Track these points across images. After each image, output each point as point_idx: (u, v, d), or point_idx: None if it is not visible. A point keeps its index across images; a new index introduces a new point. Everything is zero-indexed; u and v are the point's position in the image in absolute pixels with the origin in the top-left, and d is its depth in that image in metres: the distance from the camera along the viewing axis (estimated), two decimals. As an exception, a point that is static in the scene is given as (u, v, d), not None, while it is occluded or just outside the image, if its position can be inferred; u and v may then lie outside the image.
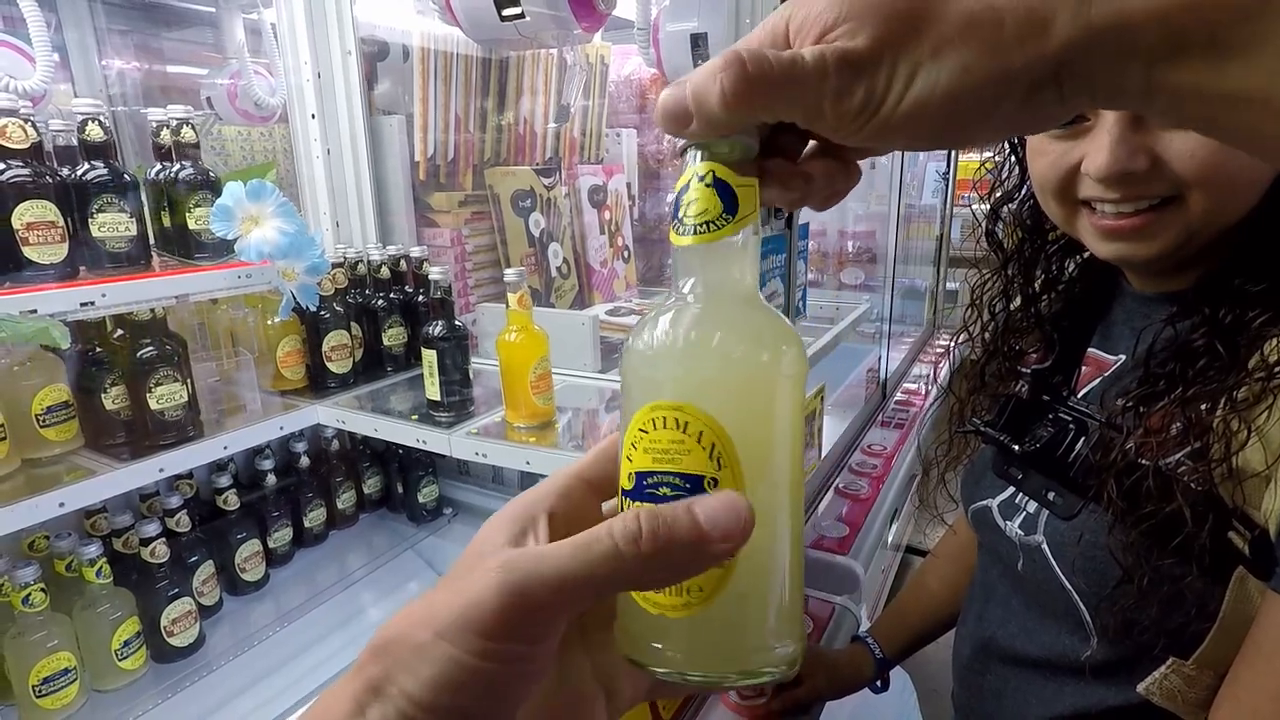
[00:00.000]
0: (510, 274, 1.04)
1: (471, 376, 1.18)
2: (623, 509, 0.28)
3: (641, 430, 0.27)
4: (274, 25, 1.47)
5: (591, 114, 2.07)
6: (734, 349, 0.28)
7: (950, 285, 4.42)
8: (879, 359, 2.21)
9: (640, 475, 0.27)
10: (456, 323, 1.13)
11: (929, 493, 0.87)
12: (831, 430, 1.85)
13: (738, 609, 0.27)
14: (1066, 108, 0.25)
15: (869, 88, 0.24)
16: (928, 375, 2.54)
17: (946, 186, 2.94)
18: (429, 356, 1.11)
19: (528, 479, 1.27)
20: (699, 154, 0.28)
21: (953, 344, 0.87)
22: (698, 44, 1.30)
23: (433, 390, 1.13)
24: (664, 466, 0.27)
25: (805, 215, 1.20)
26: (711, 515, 0.24)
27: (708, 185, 0.27)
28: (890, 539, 2.47)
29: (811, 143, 0.30)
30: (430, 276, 1.11)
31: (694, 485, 0.27)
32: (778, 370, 0.28)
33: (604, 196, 2.04)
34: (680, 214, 0.28)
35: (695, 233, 0.27)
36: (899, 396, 2.24)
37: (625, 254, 2.19)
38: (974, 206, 0.82)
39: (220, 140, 1.85)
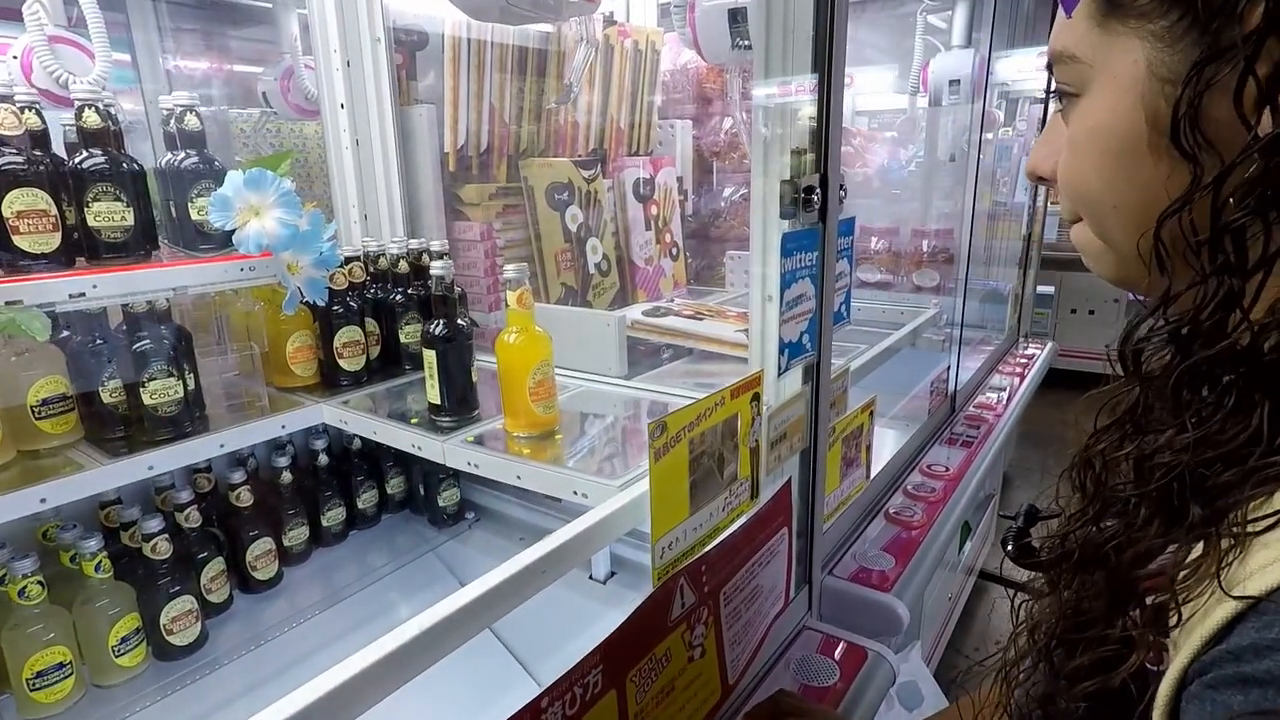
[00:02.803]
0: (509, 270, 0.96)
1: (475, 379, 1.11)
2: None
3: None
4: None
5: (641, 104, 1.96)
6: None
7: (1043, 288, 4.05)
8: (948, 368, 2.01)
9: None
10: (460, 321, 1.06)
11: None
12: (889, 446, 1.69)
13: None
14: None
15: None
16: (1008, 387, 2.32)
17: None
18: (429, 356, 1.05)
19: (531, 492, 1.14)
20: None
21: None
22: (736, 19, 1.18)
23: (433, 393, 1.07)
24: None
25: (848, 210, 1.07)
26: None
27: None
28: (962, 561, 2.26)
29: None
30: (431, 271, 1.03)
31: None
32: None
33: (651, 190, 1.94)
34: None
35: None
36: (970, 410, 2.04)
37: (674, 251, 2.07)
38: None
39: (302, 138, 1.87)
